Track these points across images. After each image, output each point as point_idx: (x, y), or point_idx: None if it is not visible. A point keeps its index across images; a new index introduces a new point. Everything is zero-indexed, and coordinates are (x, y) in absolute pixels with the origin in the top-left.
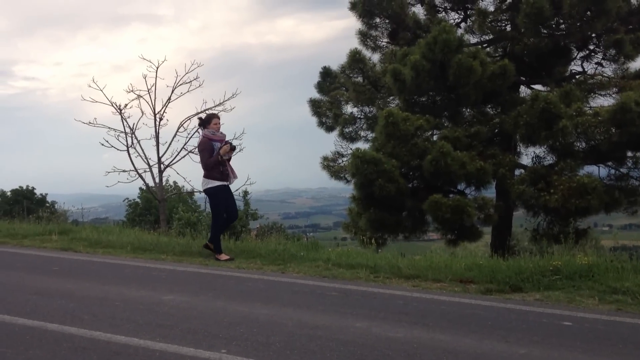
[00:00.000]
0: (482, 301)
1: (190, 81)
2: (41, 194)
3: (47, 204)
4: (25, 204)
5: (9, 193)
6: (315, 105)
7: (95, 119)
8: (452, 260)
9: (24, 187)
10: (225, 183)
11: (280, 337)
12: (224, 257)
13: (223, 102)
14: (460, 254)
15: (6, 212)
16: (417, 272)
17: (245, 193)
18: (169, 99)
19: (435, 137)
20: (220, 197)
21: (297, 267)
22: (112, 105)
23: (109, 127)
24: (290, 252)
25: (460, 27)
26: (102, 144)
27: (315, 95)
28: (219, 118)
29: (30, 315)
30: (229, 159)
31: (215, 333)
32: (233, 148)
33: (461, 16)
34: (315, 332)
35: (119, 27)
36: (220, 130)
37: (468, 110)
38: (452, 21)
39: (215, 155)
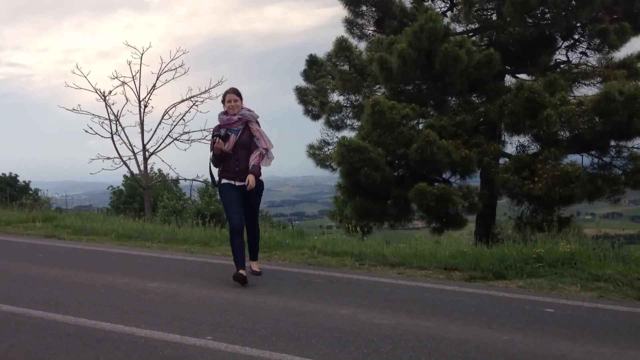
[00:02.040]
0: (466, 288)
1: (176, 68)
2: (24, 181)
3: (31, 191)
4: (8, 191)
5: None
6: (301, 93)
7: (79, 105)
8: (437, 248)
9: (7, 174)
10: (231, 182)
11: (265, 323)
12: (239, 273)
13: (208, 89)
14: (445, 242)
15: None
16: (402, 260)
17: None
18: (154, 85)
19: (421, 126)
20: (227, 198)
21: (283, 254)
22: (97, 92)
23: (93, 114)
24: (276, 239)
25: (447, 16)
26: (86, 131)
27: (302, 83)
28: (233, 93)
29: (15, 302)
30: (238, 152)
31: (200, 320)
32: (224, 138)
33: (447, 5)
34: (300, 319)
35: (105, 14)
36: (242, 110)
37: (454, 99)
38: (438, 10)
39: (214, 149)
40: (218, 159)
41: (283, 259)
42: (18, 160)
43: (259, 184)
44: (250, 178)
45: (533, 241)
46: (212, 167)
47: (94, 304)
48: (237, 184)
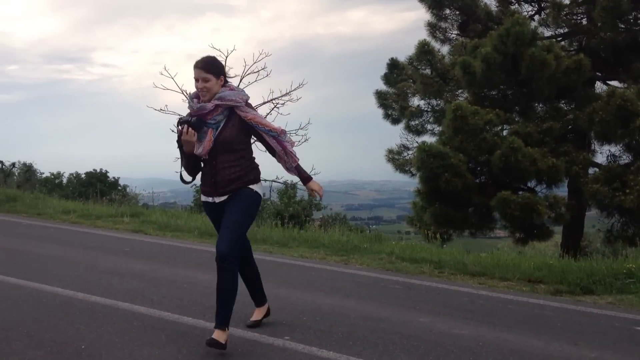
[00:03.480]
0: (551, 302)
1: (258, 70)
2: (113, 177)
3: (119, 187)
4: (98, 187)
5: (83, 175)
6: (381, 97)
7: (166, 105)
8: (521, 259)
9: (98, 170)
10: (208, 199)
11: (342, 327)
12: (218, 336)
13: (290, 92)
14: (529, 253)
15: (81, 193)
16: (484, 270)
17: None
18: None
19: (505, 132)
20: (211, 220)
21: (360, 258)
22: (183, 93)
23: (179, 114)
24: (354, 243)
25: (534, 20)
26: (172, 131)
27: (382, 87)
28: (202, 69)
29: (103, 293)
30: (217, 150)
31: (279, 320)
32: (196, 126)
33: (535, 8)
34: (377, 324)
35: (194, 17)
36: (221, 92)
37: (540, 105)
38: (525, 13)
39: (181, 143)
40: (190, 161)
41: (360, 263)
42: (108, 156)
43: (249, 195)
44: (314, 186)
45: (623, 256)
46: (184, 170)
47: (177, 299)
48: (217, 200)
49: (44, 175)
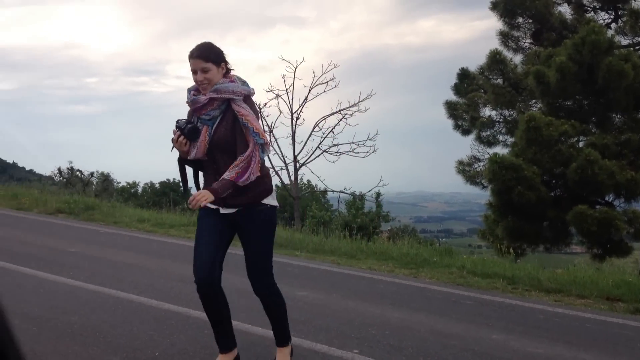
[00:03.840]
0: (631, 321)
1: (327, 81)
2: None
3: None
4: (171, 196)
5: (157, 185)
6: (451, 107)
7: None
8: (598, 276)
9: (171, 180)
10: (211, 206)
11: (412, 342)
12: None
13: (358, 102)
14: (607, 270)
15: (155, 202)
16: (559, 286)
17: (378, 195)
18: (306, 98)
19: (581, 144)
20: (198, 230)
21: (430, 272)
22: None
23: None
24: (423, 256)
25: (611, 28)
26: None
27: (452, 97)
28: (199, 57)
29: (175, 300)
30: (209, 155)
31: (347, 332)
32: (188, 133)
33: (611, 16)
34: (448, 340)
35: (264, 29)
36: (219, 84)
37: (618, 116)
38: (601, 21)
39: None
40: (183, 165)
41: (430, 276)
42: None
43: (266, 215)
44: (203, 196)
45: None
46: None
47: (247, 308)
48: (222, 210)
49: (120, 185)
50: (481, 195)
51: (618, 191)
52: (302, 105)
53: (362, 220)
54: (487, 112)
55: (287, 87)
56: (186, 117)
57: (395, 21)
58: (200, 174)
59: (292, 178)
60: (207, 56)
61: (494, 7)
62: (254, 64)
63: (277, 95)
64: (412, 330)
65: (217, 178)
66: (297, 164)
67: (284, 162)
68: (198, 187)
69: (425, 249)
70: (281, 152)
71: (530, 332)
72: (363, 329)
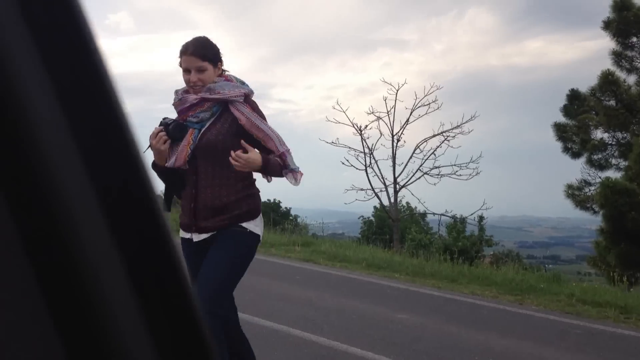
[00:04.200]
0: None
1: (429, 103)
2: (286, 207)
3: (291, 217)
4: (272, 216)
5: None
6: (560, 129)
7: (337, 138)
8: None
9: (272, 200)
10: (185, 235)
11: None
12: None
13: (461, 124)
14: None
15: None
16: None
17: (481, 218)
18: (407, 120)
19: None
20: (188, 266)
21: (537, 299)
22: (353, 126)
23: (349, 147)
24: (529, 282)
25: None
26: (343, 163)
27: (561, 119)
28: (193, 54)
29: (276, 319)
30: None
31: (448, 358)
32: (172, 129)
33: None
34: None
35: (366, 53)
36: (214, 84)
37: None
38: None
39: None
40: (163, 175)
41: (537, 304)
42: (281, 188)
43: (242, 235)
44: (248, 156)
45: None
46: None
47: (345, 329)
48: (195, 238)
49: None
50: (591, 221)
51: None
52: (403, 127)
53: (464, 243)
54: (599, 134)
55: (389, 109)
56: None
57: (501, 42)
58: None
59: (392, 200)
60: (204, 54)
61: (606, 26)
62: (354, 87)
63: (378, 118)
64: (518, 359)
65: (193, 195)
66: (397, 186)
67: (384, 183)
68: (169, 206)
69: (531, 275)
70: (381, 174)
71: None
72: (465, 355)
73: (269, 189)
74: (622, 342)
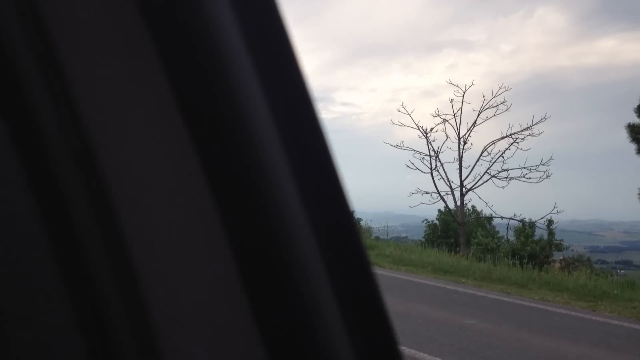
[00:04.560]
0: None
1: (497, 105)
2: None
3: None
4: None
5: None
6: (634, 130)
7: (402, 141)
8: None
9: None
10: None
11: None
12: None
13: (530, 126)
14: None
15: None
16: None
17: (550, 222)
18: (474, 122)
19: None
20: None
21: (610, 306)
22: (419, 129)
23: (415, 150)
24: (602, 288)
25: None
26: (408, 166)
27: (635, 120)
28: None
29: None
30: None
31: None
32: None
33: None
34: None
35: (430, 54)
36: None
37: None
38: None
39: None
40: None
41: (610, 310)
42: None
43: None
44: None
45: None
46: None
47: (412, 333)
48: None
49: None
50: None
51: None
52: (470, 130)
53: (532, 248)
54: None
55: (455, 111)
56: None
57: (571, 42)
58: None
59: (458, 203)
60: None
61: None
62: (418, 89)
63: (445, 120)
64: None
65: None
66: (464, 189)
67: (450, 187)
68: None
69: (604, 281)
70: (447, 176)
71: None
72: None
73: None
74: None
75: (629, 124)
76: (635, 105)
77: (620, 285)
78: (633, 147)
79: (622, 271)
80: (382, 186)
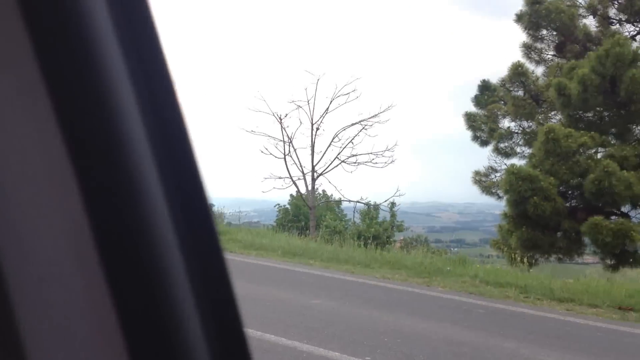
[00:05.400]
0: None
1: (348, 93)
2: None
3: None
4: None
5: None
6: (470, 118)
7: (257, 126)
8: (611, 286)
9: None
10: None
11: (423, 350)
12: None
13: (378, 114)
14: (619, 280)
15: None
16: (571, 296)
17: (392, 204)
18: (327, 110)
19: (599, 155)
20: None
21: (443, 281)
22: (273, 115)
23: (270, 136)
24: (437, 265)
25: (636, 40)
26: (262, 152)
27: (473, 109)
28: None
29: None
30: None
31: (359, 340)
32: None
33: (637, 29)
34: (460, 348)
35: None
36: None
37: (639, 127)
38: (626, 33)
39: None
40: None
41: (443, 285)
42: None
43: None
44: None
45: None
46: None
47: (260, 316)
48: None
49: None
50: (495, 206)
51: (635, 202)
52: (322, 116)
53: (376, 229)
54: (506, 123)
55: (309, 98)
56: None
57: None
58: None
59: (310, 188)
60: None
61: (519, 19)
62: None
63: (298, 107)
64: (424, 338)
65: None
66: (315, 174)
67: (302, 172)
68: None
69: (438, 259)
70: (300, 162)
71: (542, 340)
72: (375, 336)
73: None
74: (522, 319)
75: (467, 112)
76: (473, 95)
77: (453, 262)
78: (470, 134)
79: (455, 249)
80: (234, 172)
